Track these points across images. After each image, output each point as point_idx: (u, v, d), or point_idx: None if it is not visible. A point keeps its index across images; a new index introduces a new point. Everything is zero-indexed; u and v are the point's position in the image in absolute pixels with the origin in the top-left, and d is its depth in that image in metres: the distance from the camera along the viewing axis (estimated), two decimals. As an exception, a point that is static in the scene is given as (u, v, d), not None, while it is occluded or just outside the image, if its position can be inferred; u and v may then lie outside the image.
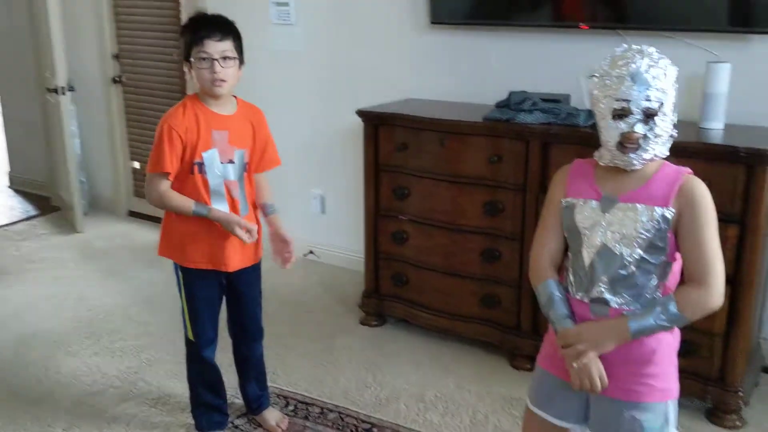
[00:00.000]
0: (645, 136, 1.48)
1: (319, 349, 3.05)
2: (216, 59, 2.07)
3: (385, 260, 3.15)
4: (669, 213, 1.49)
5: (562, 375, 1.61)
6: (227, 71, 2.10)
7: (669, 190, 1.50)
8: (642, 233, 1.49)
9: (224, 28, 2.11)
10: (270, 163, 2.32)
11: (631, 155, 1.49)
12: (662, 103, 1.47)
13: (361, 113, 3.04)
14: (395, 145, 2.99)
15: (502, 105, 2.85)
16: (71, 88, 4.38)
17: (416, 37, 3.41)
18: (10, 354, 3.01)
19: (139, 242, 4.38)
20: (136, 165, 4.74)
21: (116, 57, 4.59)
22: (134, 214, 4.86)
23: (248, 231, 2.16)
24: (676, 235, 1.50)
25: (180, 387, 2.74)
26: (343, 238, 3.88)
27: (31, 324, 3.27)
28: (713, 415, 2.53)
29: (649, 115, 1.47)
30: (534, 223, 2.67)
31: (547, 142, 2.65)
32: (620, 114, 1.48)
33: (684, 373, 2.54)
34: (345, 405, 2.63)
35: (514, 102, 2.78)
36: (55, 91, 4.26)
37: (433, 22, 3.30)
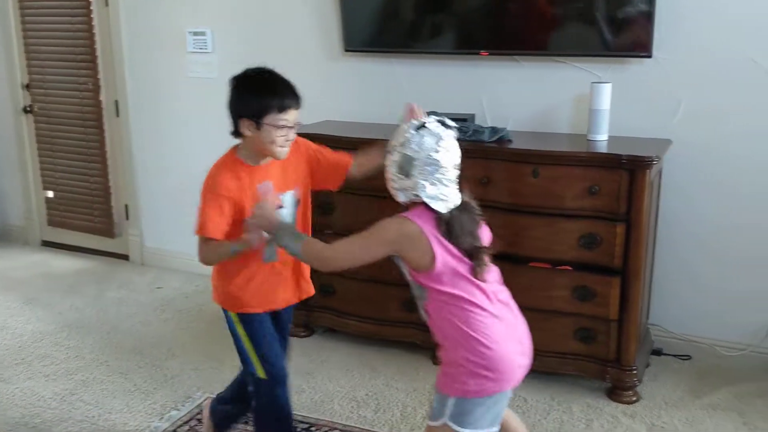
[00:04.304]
0: None
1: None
2: (292, 127, 2.08)
3: (312, 272, 3.32)
4: None
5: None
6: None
7: None
8: None
9: (298, 95, 2.10)
10: (342, 158, 2.28)
11: None
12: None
13: (283, 135, 3.23)
14: (317, 164, 3.19)
15: (414, 124, 3.11)
16: (-19, 119, 4.35)
17: (331, 63, 3.64)
18: (-64, 385, 2.99)
19: (56, 270, 4.37)
20: (50, 194, 4.71)
21: (27, 87, 4.58)
22: (48, 243, 4.82)
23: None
24: None
25: (119, 403, 2.82)
26: (266, 256, 4.03)
27: (-45, 355, 3.25)
28: (612, 393, 2.85)
29: None
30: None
31: (457, 156, 2.92)
32: None
33: (586, 357, 2.89)
34: (282, 409, 2.78)
35: (425, 121, 3.05)
36: (-35, 121, 4.22)
37: (346, 50, 3.54)
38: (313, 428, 2.65)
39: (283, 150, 2.10)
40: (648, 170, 2.63)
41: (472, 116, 3.21)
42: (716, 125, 2.98)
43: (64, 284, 4.12)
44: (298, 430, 2.64)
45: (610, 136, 2.96)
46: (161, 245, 4.43)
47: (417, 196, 1.80)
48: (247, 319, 2.23)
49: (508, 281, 2.89)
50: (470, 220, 1.84)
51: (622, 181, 2.68)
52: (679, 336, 3.18)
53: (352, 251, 1.90)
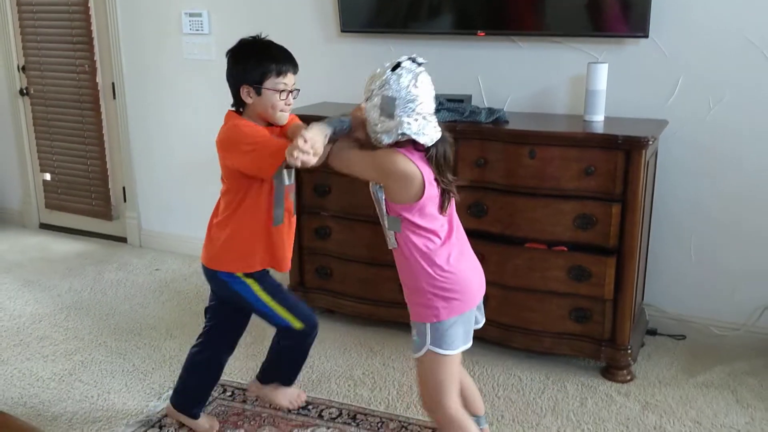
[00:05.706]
0: None
1: (249, 342, 3.19)
2: (291, 91, 2.17)
3: (308, 255, 3.35)
4: None
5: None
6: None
7: None
8: None
9: (294, 60, 2.20)
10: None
11: None
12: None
13: (280, 116, 3.23)
14: (314, 145, 3.19)
15: (411, 105, 3.11)
16: (-23, 101, 4.34)
17: (328, 44, 3.63)
18: (-65, 366, 3.01)
19: (54, 253, 4.38)
20: (47, 177, 4.71)
21: (23, 69, 4.57)
22: (46, 226, 4.83)
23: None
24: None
25: (117, 383, 2.84)
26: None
27: (-46, 336, 3.27)
28: (607, 372, 2.87)
29: None
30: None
31: (454, 137, 2.88)
32: None
33: (581, 336, 2.91)
34: (280, 388, 2.80)
35: (422, 102, 3.04)
36: (-39, 104, 4.20)
37: (343, 30, 3.53)
38: (310, 406, 2.67)
39: (283, 115, 2.19)
40: (644, 150, 2.64)
41: (469, 97, 3.21)
42: (712, 105, 2.98)
43: (62, 267, 4.13)
44: (296, 409, 2.66)
45: (606, 117, 2.96)
46: (159, 227, 4.43)
47: (403, 135, 1.85)
48: (260, 277, 2.30)
49: (503, 262, 2.92)
50: (450, 151, 1.94)
51: (618, 162, 2.68)
52: (674, 316, 3.20)
53: (353, 162, 1.98)
